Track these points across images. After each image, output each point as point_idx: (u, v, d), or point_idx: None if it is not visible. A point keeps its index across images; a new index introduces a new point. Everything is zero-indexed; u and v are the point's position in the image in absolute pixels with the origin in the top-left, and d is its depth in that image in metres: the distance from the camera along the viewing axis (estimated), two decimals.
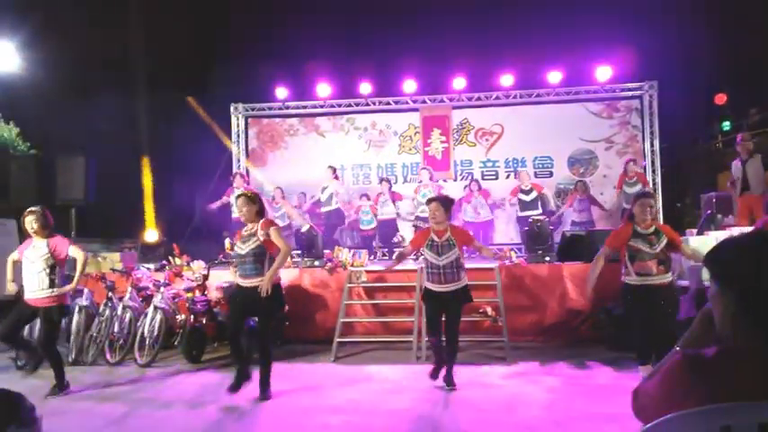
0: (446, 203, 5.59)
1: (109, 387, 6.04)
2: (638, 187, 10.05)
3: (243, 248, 5.28)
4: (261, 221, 5.33)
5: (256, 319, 6.97)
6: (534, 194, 10.76)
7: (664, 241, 5.18)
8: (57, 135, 10.47)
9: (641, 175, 10.75)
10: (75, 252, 5.84)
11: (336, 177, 11.08)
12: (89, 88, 10.92)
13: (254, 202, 5.41)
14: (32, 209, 5.72)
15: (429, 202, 5.67)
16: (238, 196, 5.51)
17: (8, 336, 5.80)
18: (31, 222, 5.63)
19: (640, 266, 5.17)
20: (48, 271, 5.61)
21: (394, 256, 5.90)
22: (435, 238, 5.45)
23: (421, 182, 10.83)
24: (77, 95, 10.73)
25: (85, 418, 5.06)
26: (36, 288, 5.60)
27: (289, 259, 8.74)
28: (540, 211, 10.65)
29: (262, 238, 5.23)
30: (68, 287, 5.79)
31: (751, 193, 8.19)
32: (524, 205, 10.82)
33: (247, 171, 12.86)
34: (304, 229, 9.08)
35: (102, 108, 10.21)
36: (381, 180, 11.31)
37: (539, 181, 11.49)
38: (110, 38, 11.72)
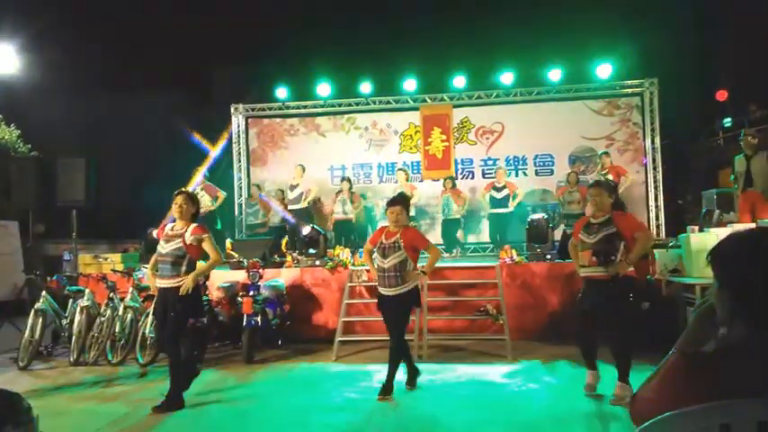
0: (408, 207, 5.43)
1: (110, 387, 6.05)
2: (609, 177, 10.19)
3: (164, 247, 5.11)
4: (193, 226, 5.17)
5: (258, 318, 7.04)
6: (506, 192, 10.89)
7: (606, 231, 4.89)
8: (57, 137, 10.50)
9: (615, 168, 10.79)
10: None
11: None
12: (89, 90, 10.95)
13: (195, 202, 5.29)
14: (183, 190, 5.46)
15: (391, 205, 5.33)
16: (179, 193, 5.27)
17: None
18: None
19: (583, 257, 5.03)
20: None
21: (365, 257, 5.70)
22: (384, 240, 5.26)
23: (396, 182, 10.84)
24: (78, 98, 10.76)
25: (88, 417, 5.07)
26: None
27: (289, 259, 8.77)
28: (510, 209, 10.85)
29: (188, 242, 5.09)
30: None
31: (754, 190, 8.14)
32: (495, 202, 10.96)
33: (248, 172, 12.90)
34: (306, 231, 9.07)
35: (103, 110, 10.23)
36: (343, 179, 11.36)
37: (515, 181, 11.65)
38: (110, 40, 11.76)
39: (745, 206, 8.20)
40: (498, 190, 10.96)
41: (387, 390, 5.19)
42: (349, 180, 11.32)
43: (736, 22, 12.28)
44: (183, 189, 5.48)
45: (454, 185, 11.32)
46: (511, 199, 10.91)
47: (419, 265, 5.39)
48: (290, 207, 11.14)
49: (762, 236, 1.54)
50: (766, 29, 12.08)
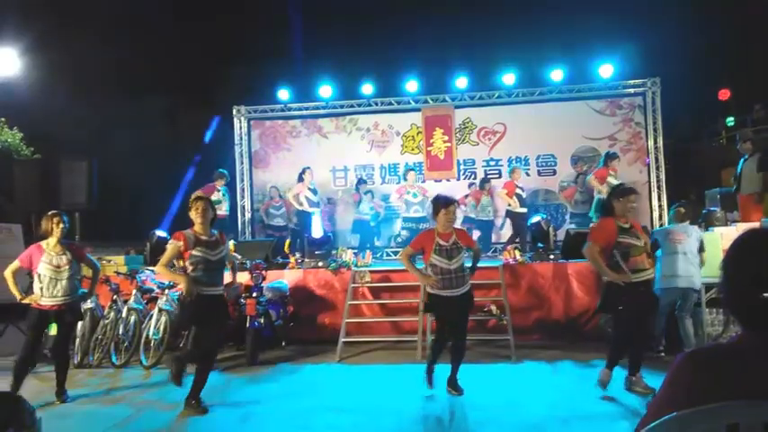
0: (457, 206, 5.44)
1: (114, 389, 6.06)
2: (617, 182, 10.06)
3: (213, 255, 5.08)
4: (219, 232, 5.25)
5: (261, 320, 7.06)
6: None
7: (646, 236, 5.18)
8: (60, 139, 10.51)
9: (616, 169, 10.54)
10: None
11: (301, 180, 10.99)
12: (92, 93, 10.96)
13: (213, 206, 5.31)
14: (58, 211, 5.69)
15: (448, 204, 5.25)
16: (199, 198, 5.25)
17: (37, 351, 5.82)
18: (58, 224, 5.59)
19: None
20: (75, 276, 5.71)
21: (404, 262, 5.60)
22: (442, 242, 5.23)
23: (407, 181, 10.78)
24: (80, 100, 10.77)
25: (91, 420, 5.08)
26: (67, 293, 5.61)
27: (292, 260, 8.77)
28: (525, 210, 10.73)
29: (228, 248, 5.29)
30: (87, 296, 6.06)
31: (742, 193, 8.16)
32: (522, 201, 10.82)
33: (251, 173, 12.90)
34: (317, 235, 9.08)
35: (105, 112, 10.24)
36: (363, 181, 11.43)
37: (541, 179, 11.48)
38: (112, 42, 11.76)
39: (742, 207, 8.23)
40: (522, 189, 10.89)
41: (456, 385, 5.37)
42: (365, 181, 11.41)
43: (739, 20, 12.26)
44: (201, 194, 5.53)
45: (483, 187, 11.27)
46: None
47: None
48: (311, 209, 11.03)
49: (748, 234, 1.53)
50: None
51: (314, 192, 11.08)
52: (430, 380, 5.45)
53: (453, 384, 5.39)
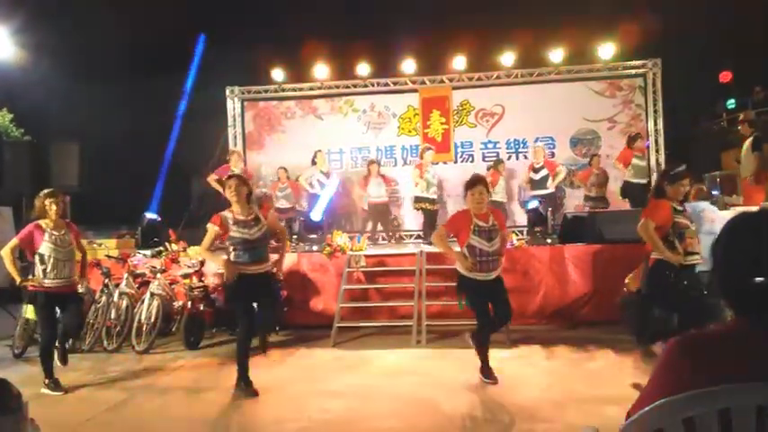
0: (487, 185, 5.26)
1: (106, 374, 6.02)
2: (645, 163, 9.97)
3: (251, 234, 5.02)
4: (259, 206, 5.29)
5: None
6: (545, 172, 10.52)
7: None
8: (51, 121, 10.38)
9: (644, 150, 10.44)
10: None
11: (314, 163, 10.80)
12: (83, 74, 10.79)
13: (246, 183, 5.27)
14: (53, 190, 5.55)
15: (473, 184, 5.10)
16: (232, 176, 5.31)
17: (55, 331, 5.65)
18: (54, 203, 5.40)
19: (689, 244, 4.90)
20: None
21: (439, 244, 5.38)
22: (481, 223, 5.06)
23: (426, 162, 10.30)
24: (71, 81, 10.61)
25: (84, 405, 5.04)
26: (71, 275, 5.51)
27: (288, 243, 8.69)
28: (550, 190, 10.46)
29: (270, 224, 5.18)
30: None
31: (742, 175, 8.11)
32: (534, 184, 10.61)
33: (245, 155, 12.76)
34: (316, 218, 8.96)
35: (97, 93, 10.09)
36: (370, 162, 11.07)
37: (553, 160, 11.27)
38: (104, 23, 11.55)
39: (744, 191, 8.17)
40: (536, 171, 10.60)
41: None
42: (378, 162, 11.05)
43: (742, 2, 12.07)
44: (233, 173, 5.53)
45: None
46: (551, 179, 10.51)
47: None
48: (322, 192, 10.86)
49: (739, 218, 1.52)
50: None
51: (326, 175, 10.85)
52: (490, 373, 5.17)
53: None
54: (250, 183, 5.50)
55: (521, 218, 11.55)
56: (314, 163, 10.79)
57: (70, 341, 6.37)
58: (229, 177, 5.27)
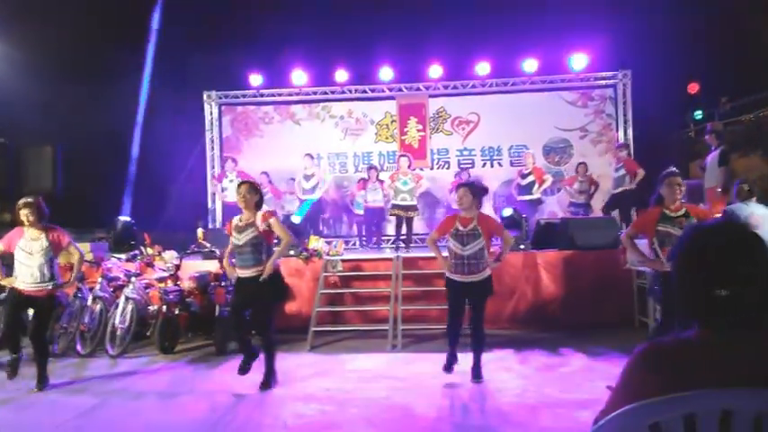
0: (475, 190, 5.32)
1: (80, 379, 5.94)
2: (622, 172, 10.12)
3: (239, 239, 5.22)
4: (261, 212, 5.29)
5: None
6: (532, 179, 10.57)
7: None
8: (24, 124, 10.18)
9: (628, 161, 10.33)
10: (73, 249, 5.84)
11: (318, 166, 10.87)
12: (57, 76, 10.63)
13: (257, 191, 5.38)
14: (28, 200, 5.54)
15: (458, 187, 5.40)
16: (243, 182, 5.46)
17: (15, 330, 5.72)
18: (27, 215, 5.46)
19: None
20: (48, 263, 5.54)
21: (431, 247, 5.64)
22: (460, 227, 5.22)
23: (399, 169, 10.44)
24: (45, 84, 10.44)
25: (55, 410, 4.97)
26: (37, 280, 5.50)
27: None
28: (535, 197, 10.53)
29: (261, 228, 5.19)
30: (67, 285, 5.93)
31: (707, 185, 8.29)
32: (520, 189, 10.70)
33: (222, 159, 12.73)
34: (296, 220, 8.99)
35: (71, 96, 9.96)
36: (370, 168, 11.09)
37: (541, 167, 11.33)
38: (79, 25, 11.40)
39: (708, 201, 8.37)
40: (524, 176, 10.67)
41: (479, 374, 5.34)
42: (375, 168, 11.08)
43: (710, 14, 12.44)
44: (246, 181, 5.62)
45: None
46: (536, 186, 10.50)
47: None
48: (304, 197, 10.90)
49: (702, 228, 1.54)
50: (737, 22, 12.28)
51: (306, 178, 10.87)
52: (445, 366, 5.43)
53: (473, 373, 5.35)
54: (262, 190, 5.59)
55: None
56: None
57: (23, 354, 6.21)
58: (240, 184, 5.43)
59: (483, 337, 5.41)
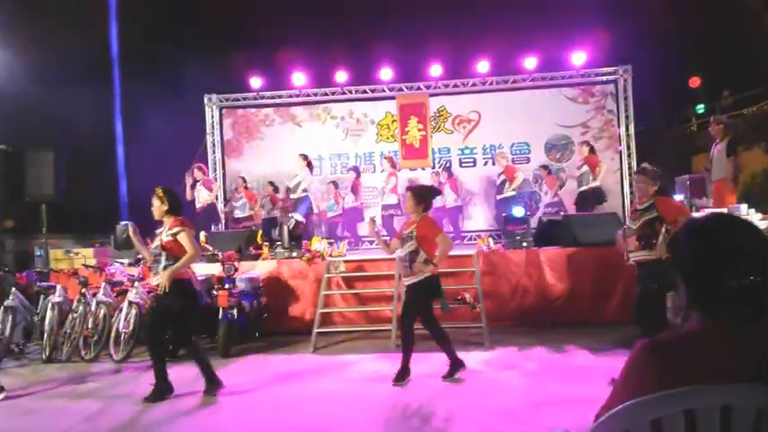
0: (418, 193, 5.38)
1: (84, 384, 5.95)
2: (585, 169, 10.14)
3: (152, 248, 5.23)
4: (170, 221, 5.14)
5: (234, 311, 6.97)
6: (503, 178, 10.73)
7: (647, 216, 4.97)
8: (26, 130, 10.23)
9: (588, 158, 10.25)
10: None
11: (309, 165, 10.60)
12: (58, 83, 10.67)
13: (164, 199, 5.18)
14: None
15: (405, 191, 5.57)
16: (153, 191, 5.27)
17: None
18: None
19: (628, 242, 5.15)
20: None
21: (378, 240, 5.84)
22: (404, 230, 5.42)
23: (383, 171, 10.57)
24: (46, 90, 10.49)
25: (60, 415, 4.98)
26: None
27: (265, 251, 8.65)
28: (508, 194, 10.54)
29: (164, 239, 5.06)
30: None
31: (713, 178, 8.23)
32: (497, 189, 10.91)
33: (223, 163, 12.75)
34: (291, 225, 8.95)
35: (72, 102, 9.98)
36: (349, 169, 11.23)
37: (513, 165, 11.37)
38: (80, 31, 11.45)
39: (714, 193, 8.31)
40: (498, 176, 10.92)
41: (400, 376, 5.33)
42: (356, 169, 11.20)
43: (710, 8, 12.40)
44: (159, 187, 5.35)
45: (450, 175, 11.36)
46: (507, 184, 10.56)
47: None
48: (291, 195, 10.84)
49: (710, 220, 1.54)
50: (738, 16, 12.24)
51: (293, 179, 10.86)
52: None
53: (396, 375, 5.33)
54: (175, 198, 5.33)
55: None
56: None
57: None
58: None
59: (410, 340, 5.37)
